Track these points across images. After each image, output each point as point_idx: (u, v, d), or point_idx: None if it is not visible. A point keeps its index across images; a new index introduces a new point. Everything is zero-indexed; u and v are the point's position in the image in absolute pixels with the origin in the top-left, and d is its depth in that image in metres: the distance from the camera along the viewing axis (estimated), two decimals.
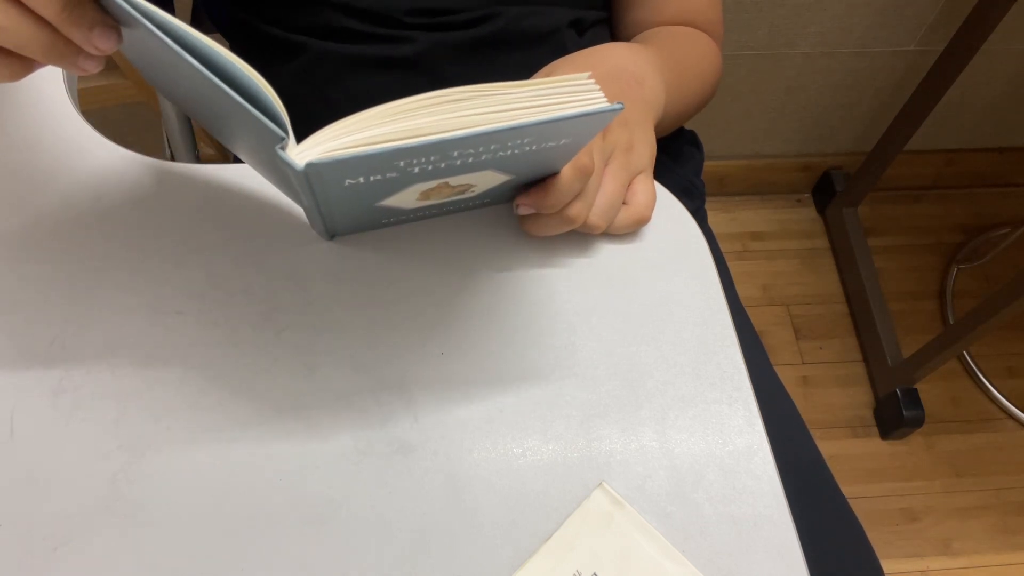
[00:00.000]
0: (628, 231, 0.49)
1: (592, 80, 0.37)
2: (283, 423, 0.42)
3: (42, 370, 0.43)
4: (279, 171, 0.39)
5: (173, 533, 0.39)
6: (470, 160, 0.37)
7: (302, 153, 0.34)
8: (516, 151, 0.37)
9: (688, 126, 0.72)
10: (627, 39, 0.65)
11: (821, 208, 1.53)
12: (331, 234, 0.47)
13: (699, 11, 0.64)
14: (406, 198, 0.41)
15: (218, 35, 0.71)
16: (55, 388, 0.42)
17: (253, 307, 0.45)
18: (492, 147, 0.36)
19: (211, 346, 0.44)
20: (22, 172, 0.49)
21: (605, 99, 0.36)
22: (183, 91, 0.40)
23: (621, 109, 0.35)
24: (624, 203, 0.47)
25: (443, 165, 0.36)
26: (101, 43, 0.33)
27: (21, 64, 0.34)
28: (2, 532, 0.39)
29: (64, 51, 0.33)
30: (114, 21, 0.34)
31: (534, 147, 0.37)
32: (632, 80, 0.51)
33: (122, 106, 0.82)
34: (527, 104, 0.35)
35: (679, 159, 0.70)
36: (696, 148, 0.72)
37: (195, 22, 0.78)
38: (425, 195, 0.41)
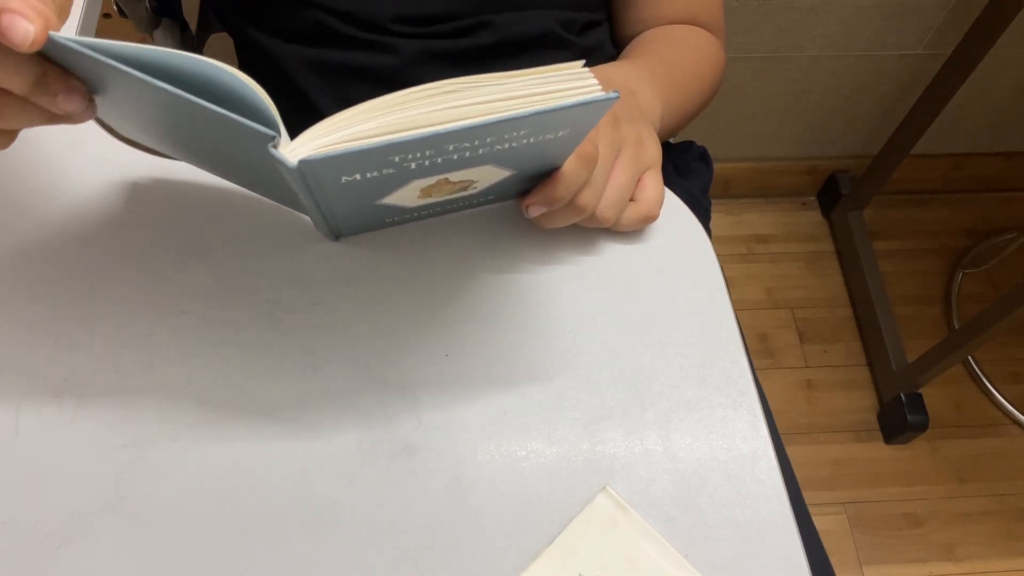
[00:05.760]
0: (636, 228, 0.48)
1: (586, 69, 0.36)
2: (287, 424, 0.42)
3: (48, 368, 0.43)
4: (278, 179, 0.38)
5: (176, 533, 0.39)
6: (467, 155, 0.36)
7: (295, 151, 0.34)
8: (514, 144, 0.36)
9: (694, 128, 0.72)
10: (629, 38, 0.64)
11: (826, 211, 1.53)
12: (336, 235, 0.47)
13: (701, 8, 0.64)
14: (407, 196, 0.41)
15: (224, 35, 0.71)
16: (60, 386, 0.42)
17: (258, 307, 0.45)
18: (488, 140, 0.35)
19: (216, 346, 0.44)
20: (30, 171, 0.49)
21: (600, 88, 0.35)
22: (171, 133, 0.40)
23: (616, 98, 0.34)
24: (632, 199, 0.47)
25: (440, 160, 0.36)
26: (67, 106, 0.35)
27: (4, 135, 0.37)
28: (6, 530, 0.39)
29: (37, 117, 0.36)
30: (79, 84, 0.35)
31: (532, 139, 0.36)
32: (624, 91, 0.51)
33: None
34: (520, 93, 0.35)
35: (686, 174, 0.70)
36: (705, 164, 0.72)
37: (202, 27, 0.78)
38: (427, 192, 0.41)
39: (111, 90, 0.35)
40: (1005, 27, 1.08)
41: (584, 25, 0.63)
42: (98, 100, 0.38)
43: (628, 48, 0.63)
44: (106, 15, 0.79)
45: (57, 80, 0.34)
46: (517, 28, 0.59)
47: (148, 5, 0.73)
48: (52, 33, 0.31)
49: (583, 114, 0.35)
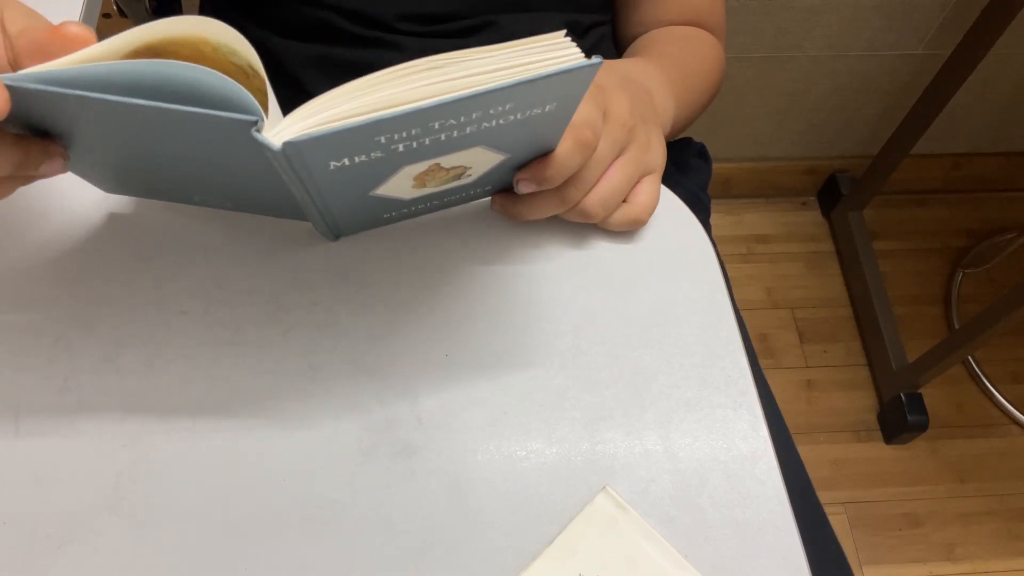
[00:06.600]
0: (622, 229, 0.48)
1: (568, 38, 0.35)
2: (287, 424, 0.42)
3: (48, 368, 0.43)
4: (270, 182, 0.38)
5: (176, 533, 0.39)
6: (455, 134, 0.36)
7: (279, 133, 0.33)
8: (501, 121, 0.36)
9: (694, 127, 0.72)
10: (632, 39, 0.65)
11: (826, 211, 1.53)
12: (335, 234, 0.47)
13: (703, 9, 0.64)
14: (401, 186, 0.40)
15: None
16: (60, 387, 0.42)
17: (258, 307, 0.45)
18: (474, 116, 0.35)
19: (216, 346, 0.44)
20: None
21: (582, 55, 0.35)
22: (150, 165, 0.40)
23: (600, 64, 0.34)
24: (625, 200, 0.47)
25: (427, 142, 0.35)
26: (48, 170, 0.38)
27: None
28: (6, 530, 0.39)
29: (19, 185, 0.38)
30: (56, 147, 0.37)
31: (519, 115, 0.36)
32: (641, 90, 0.51)
33: None
34: (502, 66, 0.34)
35: (685, 171, 0.70)
36: (704, 161, 0.72)
37: None
38: (421, 181, 0.41)
39: (83, 126, 0.35)
40: (1005, 27, 1.08)
41: (588, 27, 0.63)
42: (71, 151, 0.38)
43: (631, 49, 0.63)
44: (106, 15, 0.79)
45: (39, 154, 0.36)
46: (521, 28, 0.59)
47: (148, 5, 0.73)
48: (5, 79, 0.31)
49: (567, 83, 0.35)
